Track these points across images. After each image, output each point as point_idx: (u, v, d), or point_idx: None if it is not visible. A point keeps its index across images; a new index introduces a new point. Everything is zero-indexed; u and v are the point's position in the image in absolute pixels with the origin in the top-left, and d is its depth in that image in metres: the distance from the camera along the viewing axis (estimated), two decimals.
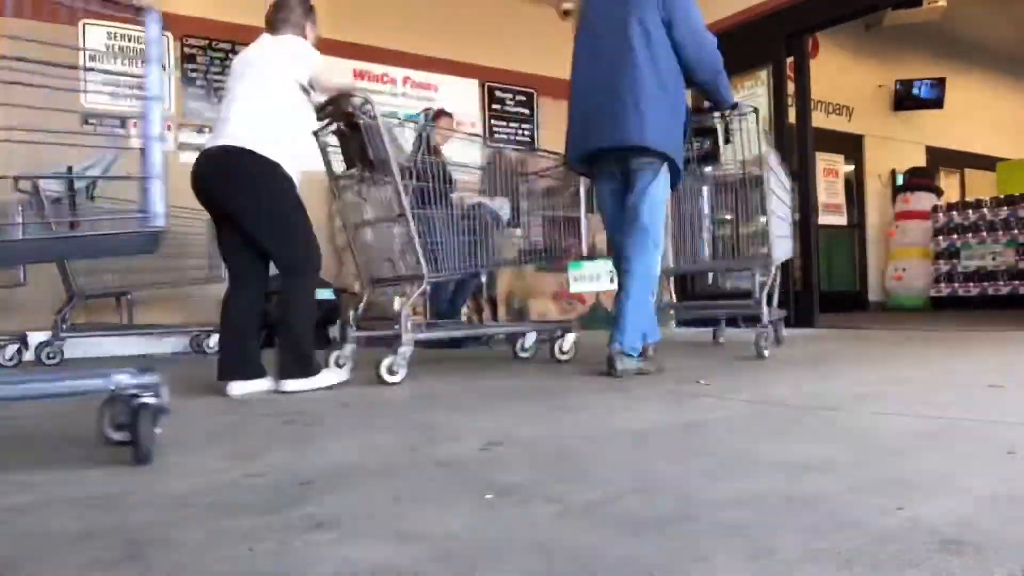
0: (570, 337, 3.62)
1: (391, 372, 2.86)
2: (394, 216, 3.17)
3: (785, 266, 4.67)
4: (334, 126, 3.22)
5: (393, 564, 0.93)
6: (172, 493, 1.33)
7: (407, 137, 3.66)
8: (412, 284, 3.21)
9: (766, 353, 3.46)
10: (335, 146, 3.29)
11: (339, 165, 3.38)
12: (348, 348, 3.36)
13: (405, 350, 2.92)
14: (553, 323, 4.35)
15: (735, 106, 3.38)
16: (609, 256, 3.58)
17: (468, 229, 3.35)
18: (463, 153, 6.48)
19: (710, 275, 5.28)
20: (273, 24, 2.99)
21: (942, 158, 9.96)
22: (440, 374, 3.30)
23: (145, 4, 2.15)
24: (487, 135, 7.04)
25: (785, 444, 1.60)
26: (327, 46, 6.10)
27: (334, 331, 5.73)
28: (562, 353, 3.60)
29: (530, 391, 2.66)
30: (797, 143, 5.80)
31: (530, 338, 3.87)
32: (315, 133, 3.30)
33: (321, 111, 3.12)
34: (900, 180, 9.36)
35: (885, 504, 1.10)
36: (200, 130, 5.66)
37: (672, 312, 4.45)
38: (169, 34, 5.58)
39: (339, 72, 6.23)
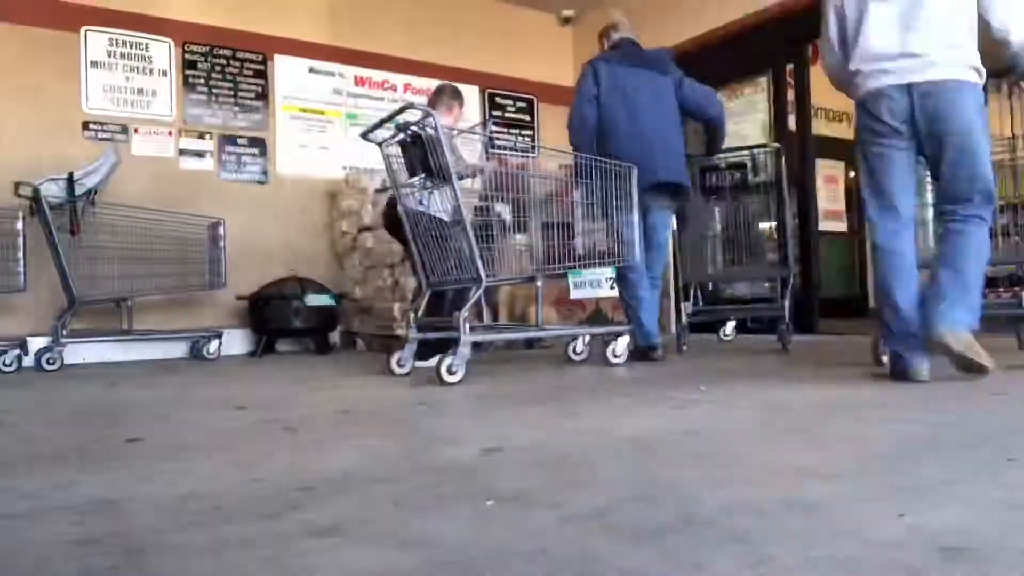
0: (623, 341, 3.71)
1: (450, 372, 2.96)
2: (452, 222, 3.35)
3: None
4: (399, 137, 3.40)
5: (393, 570, 0.93)
6: (172, 499, 1.33)
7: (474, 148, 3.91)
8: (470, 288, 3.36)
9: (790, 346, 4.11)
10: (398, 156, 3.49)
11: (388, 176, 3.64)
12: (409, 349, 3.48)
13: (464, 351, 3.04)
14: (607, 326, 4.45)
15: (764, 145, 4.63)
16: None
17: (481, 236, 3.40)
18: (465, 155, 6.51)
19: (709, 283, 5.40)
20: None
21: None
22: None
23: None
24: (488, 141, 7.05)
25: (785, 450, 1.60)
26: (328, 52, 6.15)
27: (334, 337, 5.73)
28: (615, 356, 3.67)
29: (531, 396, 2.66)
30: (797, 150, 5.80)
31: (580, 341, 4.00)
32: (380, 144, 3.52)
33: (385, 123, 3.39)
34: None
35: (886, 511, 1.09)
36: (201, 136, 5.68)
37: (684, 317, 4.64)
38: (170, 39, 5.60)
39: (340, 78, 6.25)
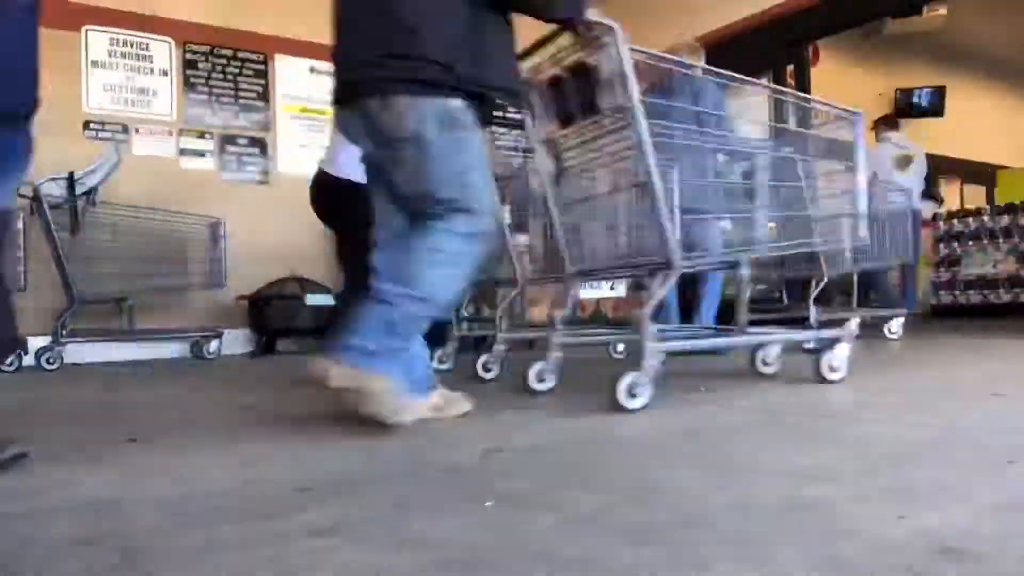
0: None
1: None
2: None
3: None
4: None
5: (392, 571, 0.93)
6: (170, 499, 1.33)
7: None
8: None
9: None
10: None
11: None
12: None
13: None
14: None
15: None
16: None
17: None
18: None
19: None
20: None
21: (942, 166, 9.98)
22: (444, 380, 3.29)
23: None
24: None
25: (786, 452, 1.60)
26: (329, 52, 6.14)
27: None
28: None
29: (530, 397, 2.65)
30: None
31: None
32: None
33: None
34: None
35: (886, 512, 1.09)
36: (202, 136, 5.68)
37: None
38: (170, 39, 5.60)
39: None
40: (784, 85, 5.93)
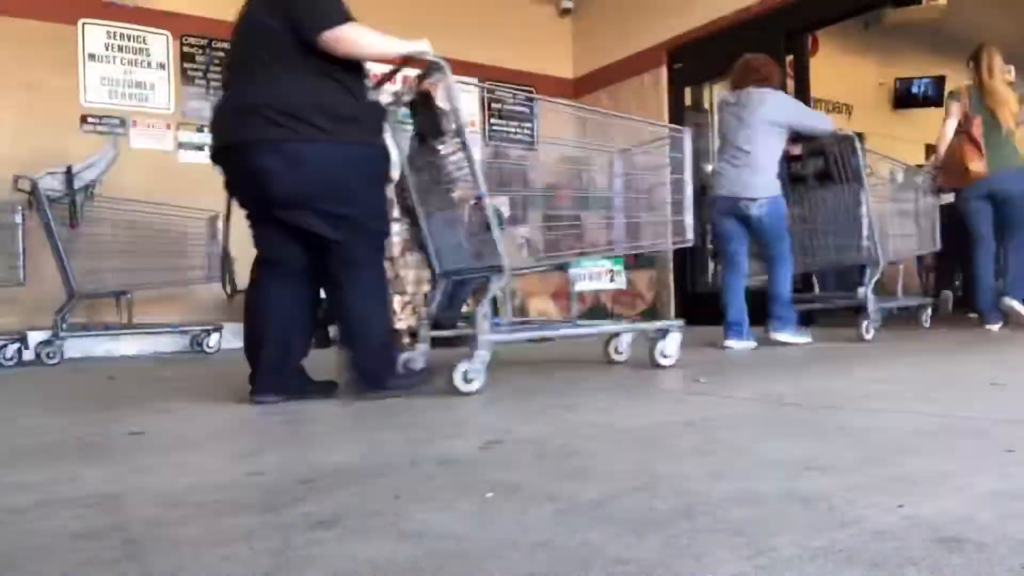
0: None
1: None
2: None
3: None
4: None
5: (393, 562, 0.93)
6: (172, 492, 1.33)
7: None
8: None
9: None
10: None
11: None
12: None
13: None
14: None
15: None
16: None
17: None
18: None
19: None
20: None
21: None
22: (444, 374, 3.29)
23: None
24: (486, 134, 7.04)
25: (785, 442, 1.60)
26: None
27: (334, 331, 5.73)
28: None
29: (531, 389, 2.66)
30: None
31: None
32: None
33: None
34: (900, 178, 9.34)
35: (885, 502, 1.10)
36: (199, 129, 5.66)
37: None
38: (167, 32, 5.58)
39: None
40: (783, 76, 5.92)
